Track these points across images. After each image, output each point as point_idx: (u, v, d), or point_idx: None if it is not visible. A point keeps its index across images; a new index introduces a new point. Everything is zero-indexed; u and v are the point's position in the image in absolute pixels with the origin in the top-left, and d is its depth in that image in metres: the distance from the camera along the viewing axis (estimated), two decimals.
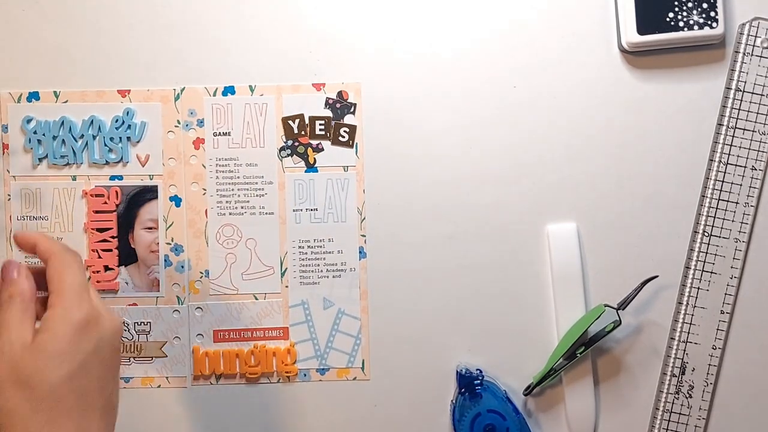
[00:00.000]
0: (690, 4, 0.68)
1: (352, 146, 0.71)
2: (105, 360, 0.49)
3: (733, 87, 0.70)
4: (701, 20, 0.68)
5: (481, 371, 0.69)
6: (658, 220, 0.71)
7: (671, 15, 0.68)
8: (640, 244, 0.71)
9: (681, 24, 0.68)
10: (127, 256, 0.71)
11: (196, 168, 0.71)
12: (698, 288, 0.70)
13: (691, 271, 0.70)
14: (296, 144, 0.71)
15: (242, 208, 0.71)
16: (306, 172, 0.71)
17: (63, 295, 0.49)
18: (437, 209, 0.71)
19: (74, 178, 0.71)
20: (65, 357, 0.47)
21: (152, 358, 0.72)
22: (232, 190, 0.71)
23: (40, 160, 0.71)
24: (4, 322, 0.48)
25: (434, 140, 0.71)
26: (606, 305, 0.69)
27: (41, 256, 0.51)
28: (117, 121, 0.71)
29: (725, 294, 0.70)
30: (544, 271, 0.71)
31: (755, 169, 0.70)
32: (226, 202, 0.71)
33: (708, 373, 0.70)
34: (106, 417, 0.49)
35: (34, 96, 0.71)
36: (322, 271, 0.71)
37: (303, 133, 0.71)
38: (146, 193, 0.71)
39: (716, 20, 0.68)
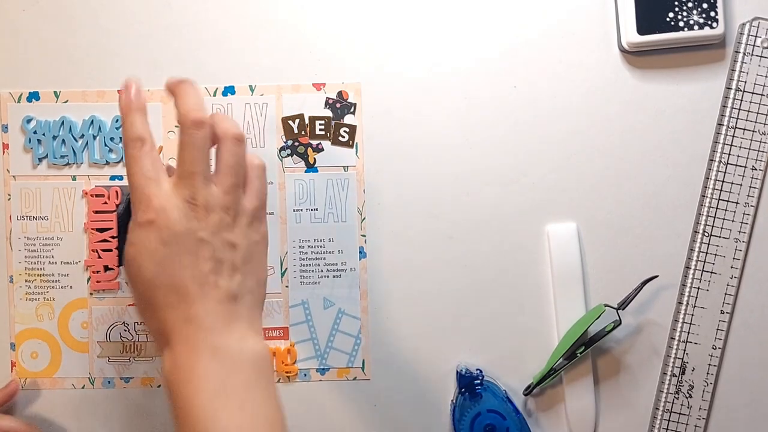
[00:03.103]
0: (690, 4, 0.68)
1: (352, 146, 0.71)
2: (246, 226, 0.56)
3: (733, 87, 0.69)
4: (701, 20, 0.68)
5: (481, 371, 0.69)
6: (658, 220, 0.71)
7: (671, 15, 0.68)
8: (640, 244, 0.71)
9: (681, 24, 0.68)
10: None
11: None
12: (698, 288, 0.70)
13: (691, 271, 0.70)
14: (296, 144, 0.71)
15: None
16: (306, 172, 0.71)
17: (220, 174, 0.55)
18: (437, 209, 0.71)
19: (74, 178, 0.71)
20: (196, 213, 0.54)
21: (153, 357, 0.72)
22: None
23: (40, 160, 0.71)
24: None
25: (434, 140, 0.71)
26: (606, 305, 0.69)
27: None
28: (117, 121, 0.71)
29: (725, 294, 0.70)
30: (544, 271, 0.71)
31: (755, 169, 0.70)
32: None
33: (708, 373, 0.70)
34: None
35: (34, 96, 0.71)
36: (322, 271, 0.71)
37: (303, 133, 0.71)
38: None
39: (716, 20, 0.68)
